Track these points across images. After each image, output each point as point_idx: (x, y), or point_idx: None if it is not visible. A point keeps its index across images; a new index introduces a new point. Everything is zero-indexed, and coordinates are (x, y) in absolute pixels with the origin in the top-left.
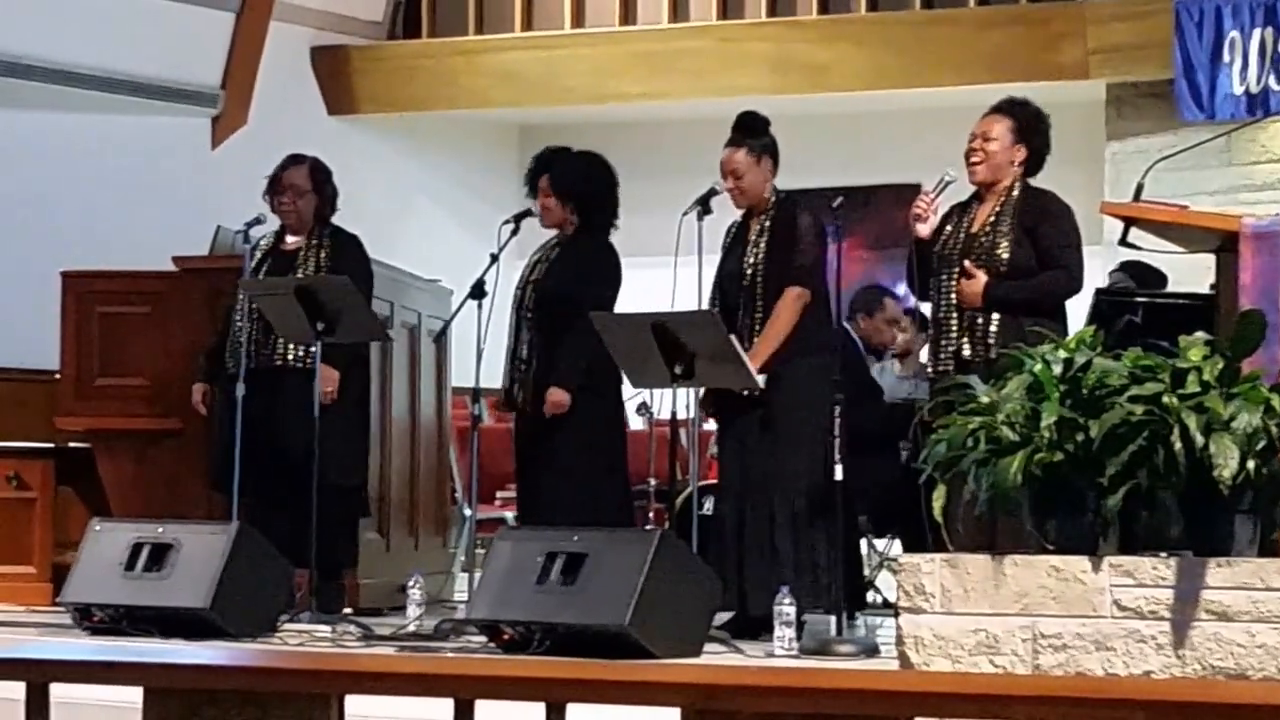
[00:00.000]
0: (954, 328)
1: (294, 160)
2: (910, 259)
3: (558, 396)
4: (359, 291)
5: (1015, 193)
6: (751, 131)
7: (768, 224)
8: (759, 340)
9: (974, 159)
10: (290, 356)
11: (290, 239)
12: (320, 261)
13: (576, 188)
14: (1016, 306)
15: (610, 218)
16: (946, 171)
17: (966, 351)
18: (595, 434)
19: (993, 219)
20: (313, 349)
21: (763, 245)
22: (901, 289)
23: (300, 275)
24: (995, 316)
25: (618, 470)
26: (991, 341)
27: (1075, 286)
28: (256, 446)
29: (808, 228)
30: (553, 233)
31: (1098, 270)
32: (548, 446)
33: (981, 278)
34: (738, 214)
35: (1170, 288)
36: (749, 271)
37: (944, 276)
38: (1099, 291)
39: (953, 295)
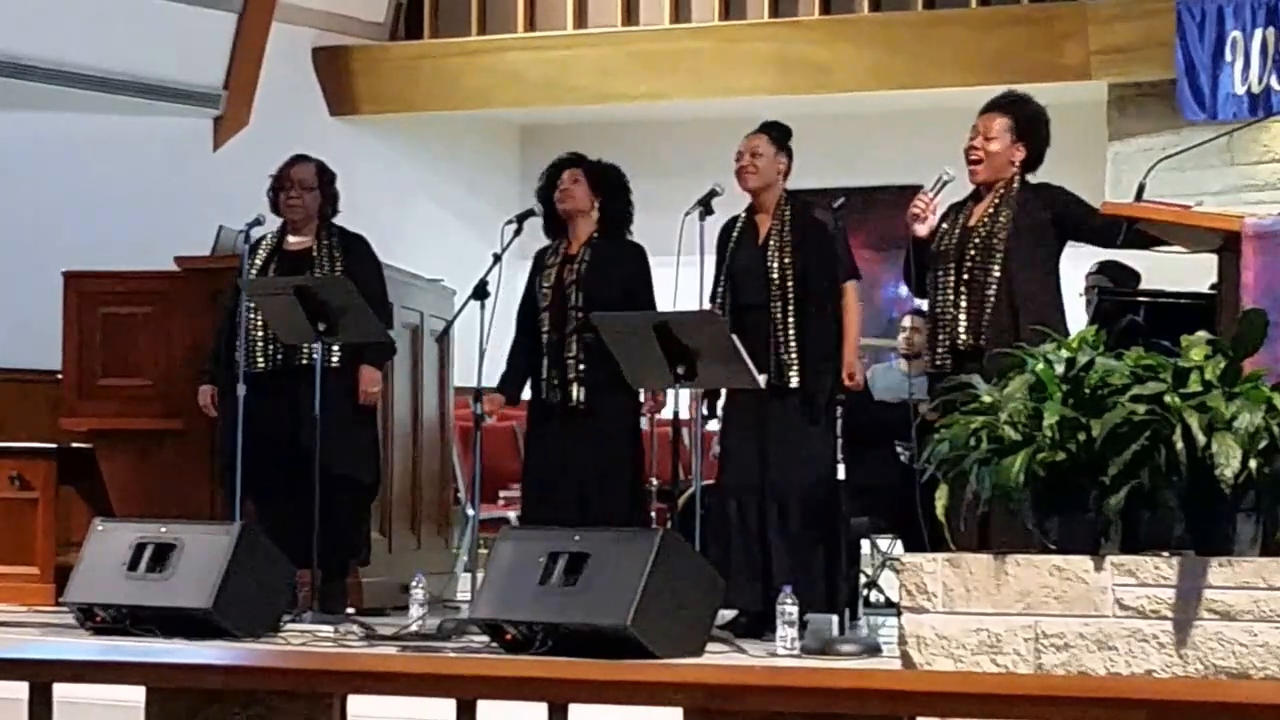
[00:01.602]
0: (950, 320)
1: (300, 158)
2: (908, 257)
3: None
4: (360, 291)
5: (1015, 186)
6: (774, 133)
7: (788, 224)
8: (845, 345)
9: (973, 158)
10: (316, 356)
11: (294, 239)
12: (335, 264)
13: (609, 182)
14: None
15: (629, 219)
16: (945, 170)
17: (962, 340)
18: (635, 432)
19: (990, 211)
20: (335, 349)
21: (788, 244)
22: (903, 289)
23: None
24: (989, 306)
25: (641, 468)
26: (985, 328)
27: (1116, 232)
28: (277, 447)
29: (837, 228)
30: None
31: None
32: (592, 444)
33: None
34: (732, 214)
35: (1169, 288)
36: (778, 271)
37: (940, 272)
38: (1101, 291)
39: (949, 290)
